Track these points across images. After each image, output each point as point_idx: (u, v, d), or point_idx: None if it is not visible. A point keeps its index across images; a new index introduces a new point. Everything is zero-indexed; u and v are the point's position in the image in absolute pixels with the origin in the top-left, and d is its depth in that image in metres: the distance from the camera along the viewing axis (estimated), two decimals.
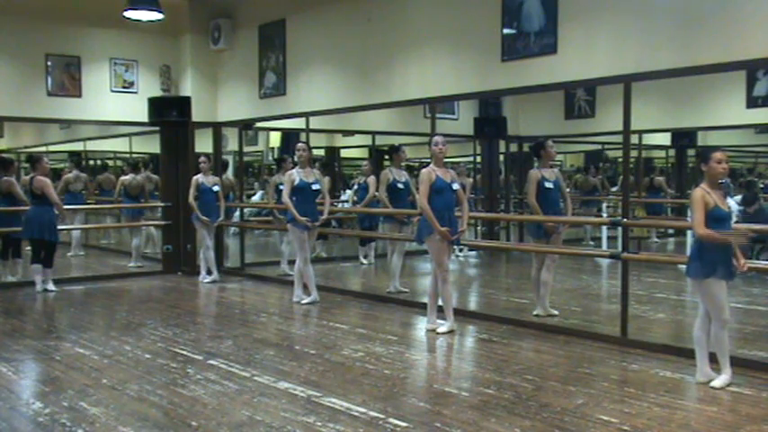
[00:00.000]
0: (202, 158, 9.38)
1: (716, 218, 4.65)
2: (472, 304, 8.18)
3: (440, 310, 6.50)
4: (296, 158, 7.97)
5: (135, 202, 11.19)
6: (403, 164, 8.82)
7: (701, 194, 4.66)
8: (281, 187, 9.53)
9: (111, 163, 15.23)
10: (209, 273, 9.48)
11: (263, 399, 4.61)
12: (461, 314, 6.89)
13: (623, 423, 4.11)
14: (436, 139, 6.43)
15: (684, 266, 5.00)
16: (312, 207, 7.79)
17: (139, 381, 5.03)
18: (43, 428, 4.13)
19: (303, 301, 7.81)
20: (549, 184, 6.78)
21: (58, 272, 9.36)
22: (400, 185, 8.43)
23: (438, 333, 6.34)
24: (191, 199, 9.20)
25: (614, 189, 12.78)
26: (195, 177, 9.26)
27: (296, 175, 7.73)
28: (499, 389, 4.79)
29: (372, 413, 4.30)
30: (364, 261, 10.89)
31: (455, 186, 6.40)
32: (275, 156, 14.25)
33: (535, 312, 6.85)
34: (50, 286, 8.71)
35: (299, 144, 7.93)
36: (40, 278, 8.67)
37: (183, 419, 4.25)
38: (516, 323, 6.68)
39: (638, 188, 11.64)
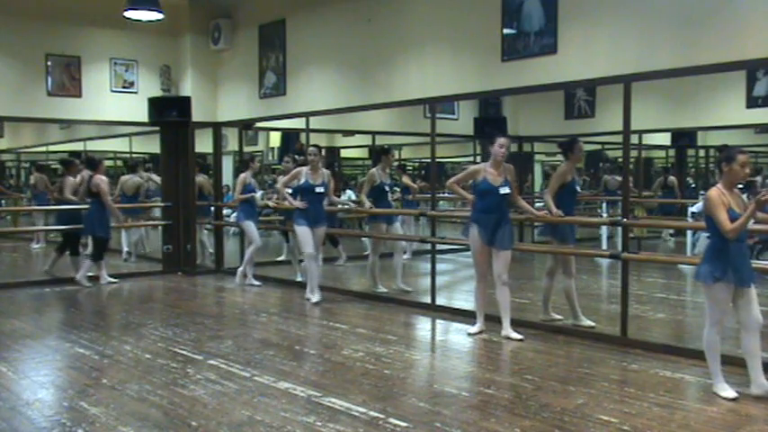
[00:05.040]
0: (257, 158, 9.24)
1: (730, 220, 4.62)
2: (472, 304, 8.14)
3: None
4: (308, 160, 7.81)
5: (131, 202, 11.20)
6: (393, 165, 8.73)
7: (719, 194, 4.55)
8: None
9: (110, 163, 15.22)
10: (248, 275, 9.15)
11: (263, 399, 4.61)
12: (462, 314, 6.89)
13: (623, 423, 4.11)
14: (501, 140, 6.14)
15: (688, 266, 4.95)
16: (315, 208, 7.76)
17: (139, 381, 5.03)
18: (43, 428, 4.13)
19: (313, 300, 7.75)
20: (577, 187, 6.58)
21: (58, 272, 9.40)
22: (386, 188, 8.30)
23: (470, 334, 6.29)
24: (239, 197, 8.98)
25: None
26: (244, 176, 9.00)
27: (303, 175, 7.66)
28: (499, 389, 4.79)
29: (372, 413, 4.30)
30: (340, 262, 10.75)
31: (503, 191, 6.11)
32: (275, 156, 14.27)
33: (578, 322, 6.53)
34: (105, 279, 9.20)
35: (311, 149, 7.78)
36: (105, 272, 9.14)
37: (183, 419, 4.25)
38: (516, 323, 6.64)
39: (640, 187, 11.60)
